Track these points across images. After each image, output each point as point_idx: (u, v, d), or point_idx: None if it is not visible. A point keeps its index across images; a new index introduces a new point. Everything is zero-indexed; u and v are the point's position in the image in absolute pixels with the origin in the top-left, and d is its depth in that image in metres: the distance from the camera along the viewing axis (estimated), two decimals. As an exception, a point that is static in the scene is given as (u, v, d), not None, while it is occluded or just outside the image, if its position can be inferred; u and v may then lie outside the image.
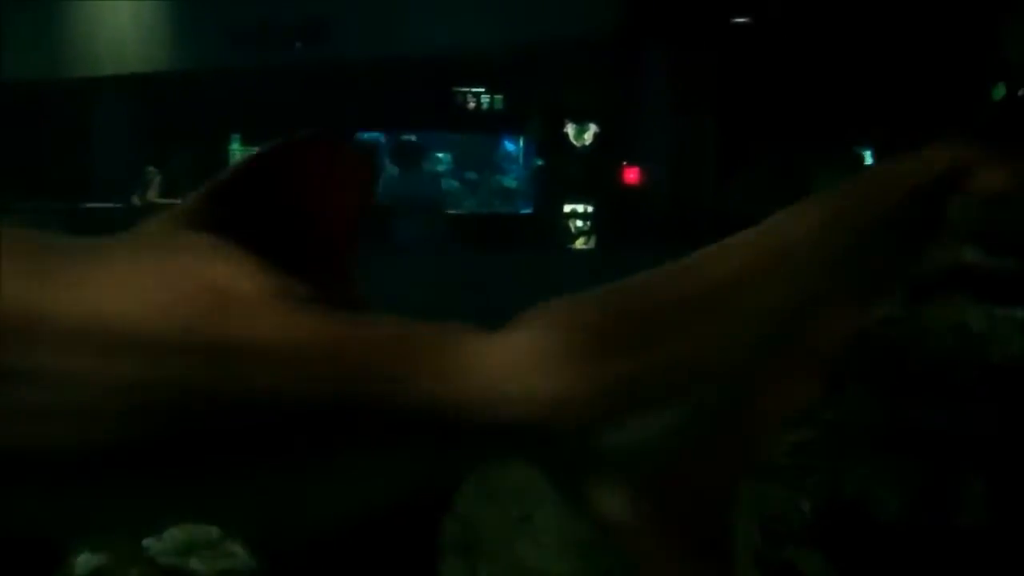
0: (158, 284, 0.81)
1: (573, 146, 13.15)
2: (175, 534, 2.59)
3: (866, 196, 0.89)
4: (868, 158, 10.98)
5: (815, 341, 0.84)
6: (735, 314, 0.82)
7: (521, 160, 13.98)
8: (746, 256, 0.84)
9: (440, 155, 13.44)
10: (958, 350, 3.82)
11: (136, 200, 11.66)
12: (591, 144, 13.12)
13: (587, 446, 0.82)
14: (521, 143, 13.94)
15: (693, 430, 0.84)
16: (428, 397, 0.79)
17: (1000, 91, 5.28)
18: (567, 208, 12.85)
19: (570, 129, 13.13)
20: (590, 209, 12.80)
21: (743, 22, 11.19)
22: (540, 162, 13.47)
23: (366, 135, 12.48)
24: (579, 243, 12.77)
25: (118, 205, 11.65)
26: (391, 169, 11.08)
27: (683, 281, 0.85)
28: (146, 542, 2.62)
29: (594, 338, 0.81)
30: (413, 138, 11.67)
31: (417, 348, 0.82)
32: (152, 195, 11.99)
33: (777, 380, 0.85)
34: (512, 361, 0.80)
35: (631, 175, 12.80)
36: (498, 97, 13.35)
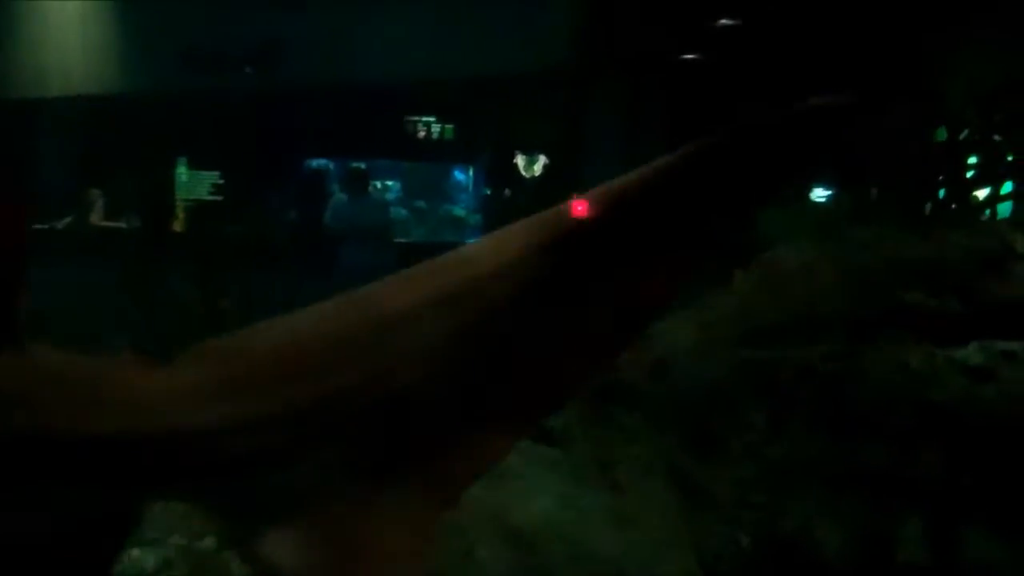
0: None
1: (523, 177, 13.19)
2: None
3: (553, 225, 0.86)
4: (815, 194, 11.09)
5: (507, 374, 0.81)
6: (402, 347, 0.79)
7: (471, 190, 13.99)
8: (422, 288, 0.82)
9: (389, 183, 13.41)
10: (900, 390, 3.84)
11: (71, 223, 11.51)
12: (541, 175, 13.16)
13: (244, 483, 0.79)
14: (471, 173, 13.97)
15: (363, 470, 0.81)
16: (90, 428, 0.77)
17: (942, 134, 5.37)
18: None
19: (520, 160, 13.16)
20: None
21: (694, 57, 11.30)
22: (489, 192, 13.49)
23: (315, 162, 12.44)
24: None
25: (59, 227, 11.49)
26: (339, 196, 11.03)
27: (345, 315, 0.82)
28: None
29: (240, 375, 0.78)
30: (362, 166, 11.63)
31: (80, 380, 0.79)
32: (95, 217, 11.84)
33: (461, 431, 0.81)
34: (164, 395, 0.78)
35: (579, 207, 12.82)
36: (449, 127, 13.37)
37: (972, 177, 5.27)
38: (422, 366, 0.83)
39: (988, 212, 5.19)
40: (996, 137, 5.32)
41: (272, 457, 0.82)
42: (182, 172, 12.58)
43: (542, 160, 13.15)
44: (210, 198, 12.45)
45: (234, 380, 0.82)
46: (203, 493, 0.85)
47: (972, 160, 5.31)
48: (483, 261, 0.88)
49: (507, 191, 13.26)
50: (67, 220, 11.57)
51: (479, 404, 0.86)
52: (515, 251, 0.88)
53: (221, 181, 12.45)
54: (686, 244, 0.95)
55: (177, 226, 12.38)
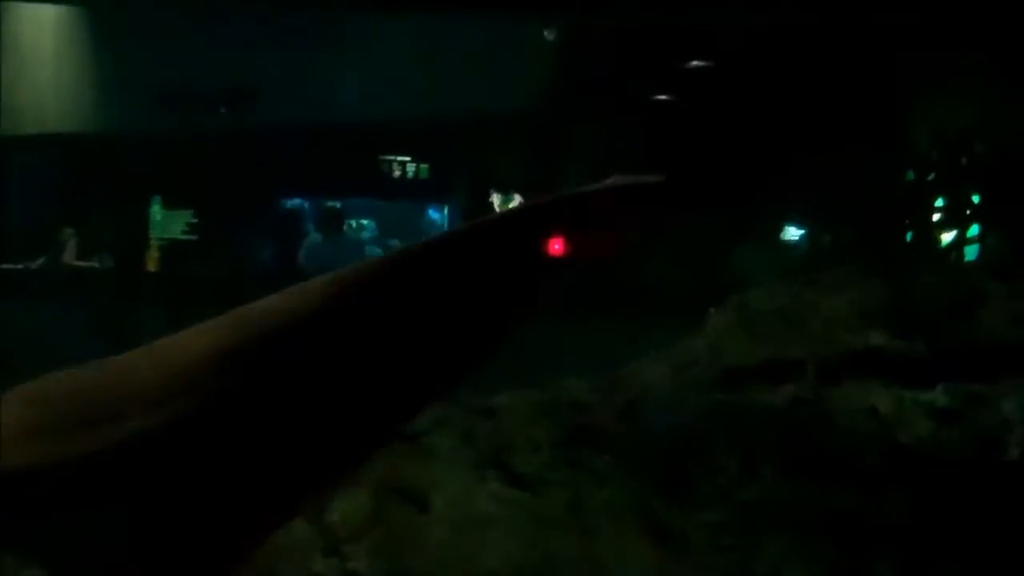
0: None
1: (498, 216, 13.23)
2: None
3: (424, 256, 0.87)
4: (787, 231, 11.19)
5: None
6: (186, 399, 0.79)
7: (446, 228, 14.01)
8: (212, 340, 0.82)
9: (364, 222, 13.41)
10: (868, 432, 3.87)
11: (44, 262, 11.45)
12: (516, 214, 13.20)
13: (48, 530, 0.79)
14: (446, 212, 13.99)
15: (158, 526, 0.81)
16: None
17: (910, 175, 5.44)
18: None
19: (495, 199, 13.20)
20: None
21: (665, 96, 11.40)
22: (464, 231, 13.53)
23: (290, 201, 12.44)
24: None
25: (33, 267, 11.43)
26: (313, 236, 11.04)
27: (138, 364, 0.83)
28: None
29: (42, 418, 0.78)
30: (337, 205, 11.65)
31: None
32: (68, 257, 11.79)
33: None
34: None
35: (556, 245, 12.87)
36: (424, 166, 13.40)
37: (939, 220, 5.33)
38: (205, 418, 0.84)
39: (955, 255, 5.25)
40: (963, 180, 5.39)
41: (69, 504, 0.82)
42: (156, 211, 12.55)
43: (517, 199, 13.19)
44: (185, 237, 12.43)
45: (37, 423, 0.83)
46: (12, 539, 0.85)
47: (939, 203, 5.37)
48: (279, 314, 0.89)
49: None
50: (41, 260, 11.51)
51: (261, 461, 0.87)
52: (310, 307, 0.88)
53: (196, 220, 12.44)
54: (474, 316, 0.96)
55: (151, 265, 12.34)
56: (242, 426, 0.85)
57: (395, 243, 13.65)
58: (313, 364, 0.88)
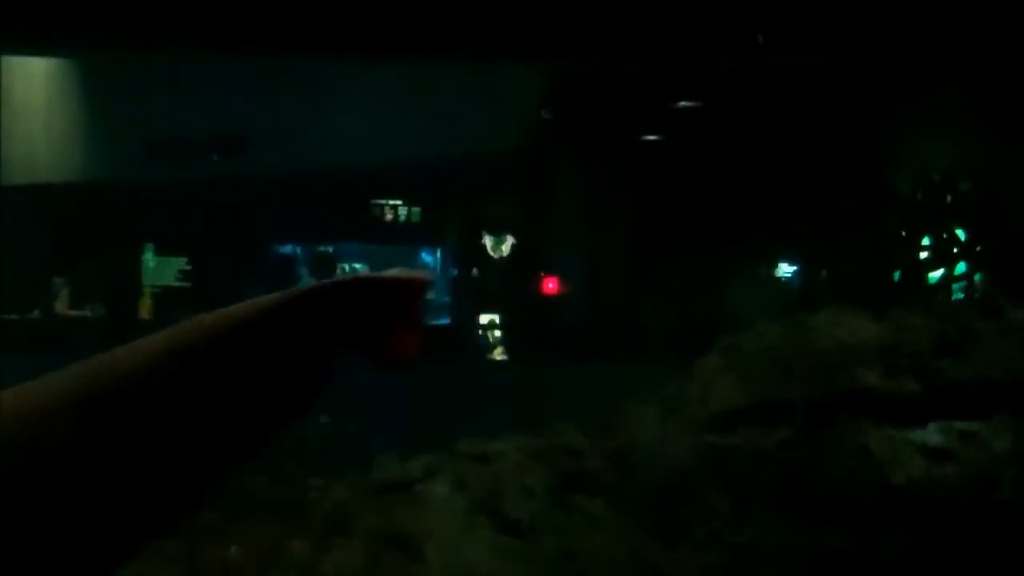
0: None
1: (491, 257, 13.24)
2: None
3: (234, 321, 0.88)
4: (781, 269, 11.23)
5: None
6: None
7: (439, 271, 14.02)
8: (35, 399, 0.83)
9: (357, 266, 13.42)
10: (860, 473, 3.87)
11: (39, 313, 11.44)
12: (509, 255, 13.22)
13: None
14: (438, 254, 14.01)
15: None
16: None
17: (896, 214, 5.46)
18: (484, 319, 12.89)
19: (488, 240, 13.23)
20: (506, 320, 12.86)
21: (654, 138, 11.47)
22: (457, 273, 13.53)
23: (283, 246, 12.46)
24: (496, 354, 12.79)
25: (26, 317, 11.42)
26: (306, 281, 11.02)
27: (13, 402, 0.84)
28: None
29: None
30: (329, 250, 11.67)
31: None
32: (60, 306, 11.77)
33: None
34: None
35: (550, 285, 12.91)
36: (416, 209, 13.43)
37: (926, 259, 5.34)
38: (37, 463, 0.86)
39: (942, 293, 5.26)
40: (948, 219, 5.42)
41: None
42: (149, 258, 12.56)
43: (510, 240, 13.22)
44: (178, 284, 12.43)
45: None
46: None
47: (925, 242, 5.39)
48: (104, 374, 0.90)
49: (475, 271, 13.31)
50: (36, 311, 11.50)
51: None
52: (135, 366, 0.89)
53: (189, 267, 12.45)
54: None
55: (144, 312, 12.34)
56: (67, 474, 0.87)
57: (388, 286, 13.66)
58: (127, 421, 0.91)
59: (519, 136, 12.26)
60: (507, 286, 12.92)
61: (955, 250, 5.22)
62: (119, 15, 7.52)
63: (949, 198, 5.28)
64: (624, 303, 12.17)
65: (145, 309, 12.37)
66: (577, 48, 8.03)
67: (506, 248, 13.18)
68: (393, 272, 0.88)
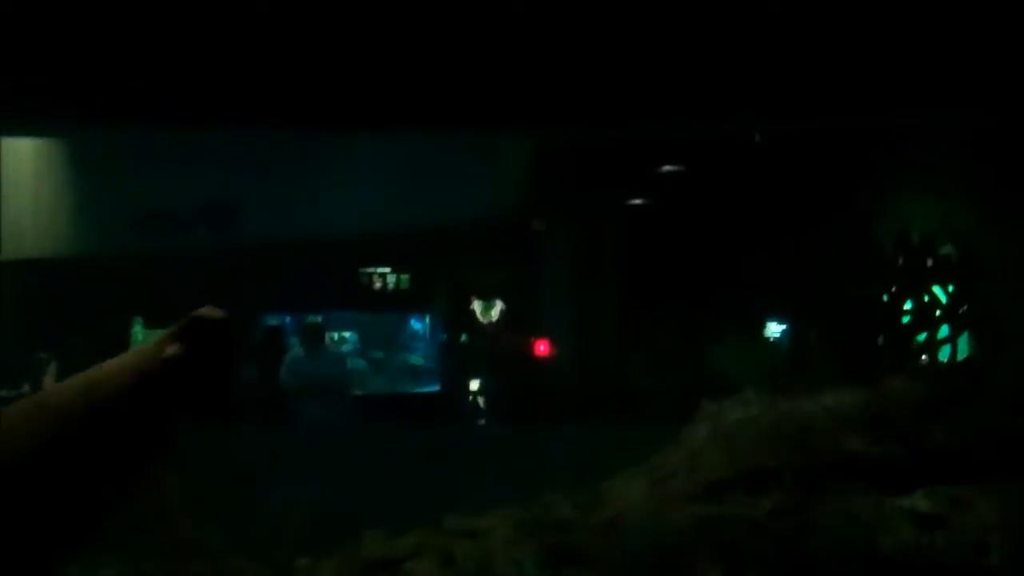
0: None
1: (480, 322, 13.26)
2: None
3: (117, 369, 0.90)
4: (768, 330, 11.26)
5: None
6: None
7: (428, 338, 14.02)
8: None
9: (347, 334, 13.41)
10: (850, 542, 3.85)
11: (29, 387, 11.39)
12: (498, 320, 13.24)
13: None
14: (428, 321, 14.02)
15: None
16: None
17: (877, 279, 5.51)
18: (474, 385, 12.87)
19: (477, 305, 13.25)
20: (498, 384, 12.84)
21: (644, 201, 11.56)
22: (446, 339, 13.54)
23: (272, 317, 12.45)
24: (486, 420, 12.75)
25: (14, 393, 11.36)
26: (295, 352, 11.02)
27: None
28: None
29: None
30: (319, 319, 11.66)
31: None
32: (49, 382, 11.73)
33: None
34: None
35: (541, 348, 12.92)
36: (404, 276, 13.48)
37: (908, 323, 5.38)
38: None
39: (926, 357, 5.29)
40: (929, 282, 5.47)
41: None
42: (138, 331, 12.55)
43: (499, 305, 13.25)
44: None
45: None
46: None
47: (908, 306, 5.43)
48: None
49: (464, 337, 13.32)
50: (25, 387, 11.44)
51: None
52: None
53: (177, 339, 12.44)
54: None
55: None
56: None
57: (378, 355, 13.65)
58: None
59: (507, 202, 12.35)
60: (496, 350, 12.92)
61: (937, 313, 5.27)
62: (105, 97, 7.61)
63: (930, 261, 5.34)
64: (614, 366, 12.18)
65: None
66: (564, 117, 8.14)
67: (495, 313, 13.20)
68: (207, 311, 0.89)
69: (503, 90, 7.55)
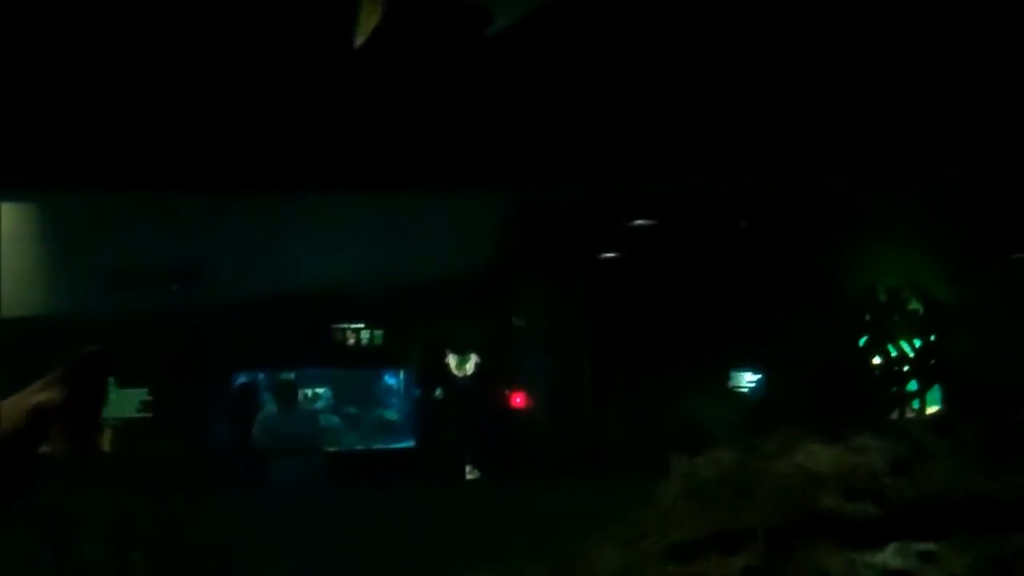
0: None
1: (455, 376, 13.23)
2: None
3: None
4: (744, 385, 11.30)
5: None
6: None
7: (402, 393, 13.98)
8: None
9: (320, 391, 13.36)
10: (822, 600, 3.85)
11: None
12: (473, 373, 13.22)
13: None
14: (402, 376, 13.98)
15: None
16: None
17: (845, 336, 5.55)
18: (448, 438, 12.83)
19: (451, 360, 13.23)
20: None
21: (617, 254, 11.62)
22: (420, 393, 13.49)
23: (243, 375, 12.39)
24: (462, 475, 12.69)
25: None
26: (268, 410, 10.96)
27: None
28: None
29: None
30: (291, 376, 11.63)
31: None
32: (18, 443, 11.60)
33: None
34: None
35: (517, 400, 12.91)
36: (378, 332, 13.45)
37: (877, 377, 5.41)
38: None
39: (896, 411, 5.32)
40: (897, 338, 5.51)
41: None
42: (110, 391, 12.45)
43: (473, 359, 13.24)
44: (139, 415, 12.31)
45: None
46: None
47: (876, 360, 5.47)
48: None
49: (438, 391, 13.28)
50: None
51: None
52: None
53: (150, 398, 12.34)
54: None
55: (104, 445, 12.18)
56: None
57: (352, 410, 13.59)
58: None
59: (479, 257, 12.39)
60: (471, 404, 12.89)
61: (906, 368, 5.30)
62: (76, 162, 7.63)
63: (897, 317, 5.38)
64: (588, 419, 12.17)
65: (106, 442, 12.21)
66: (535, 176, 8.20)
67: (470, 366, 13.19)
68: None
69: (476, 151, 7.62)
